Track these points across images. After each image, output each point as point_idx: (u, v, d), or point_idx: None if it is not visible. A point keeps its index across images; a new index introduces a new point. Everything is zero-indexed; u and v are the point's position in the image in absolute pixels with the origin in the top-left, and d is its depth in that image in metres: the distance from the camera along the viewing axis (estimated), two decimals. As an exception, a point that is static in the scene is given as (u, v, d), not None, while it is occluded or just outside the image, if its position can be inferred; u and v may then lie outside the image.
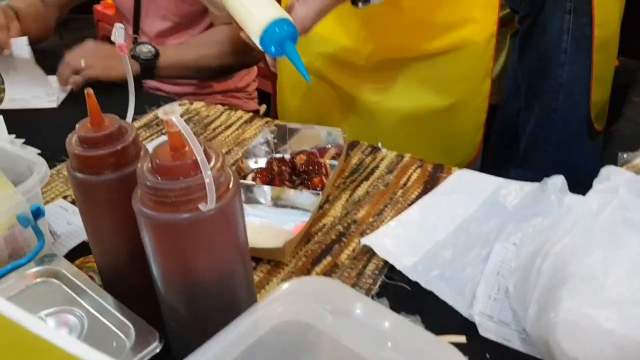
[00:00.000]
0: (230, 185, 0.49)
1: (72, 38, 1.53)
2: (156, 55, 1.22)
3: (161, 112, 0.45)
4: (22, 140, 1.00)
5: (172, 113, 0.45)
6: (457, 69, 1.05)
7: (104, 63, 1.19)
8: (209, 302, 0.51)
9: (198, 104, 1.13)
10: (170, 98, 1.18)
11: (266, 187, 0.82)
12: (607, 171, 0.65)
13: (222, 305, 0.52)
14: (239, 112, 1.09)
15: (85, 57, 1.18)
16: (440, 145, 1.11)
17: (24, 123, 1.06)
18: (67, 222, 0.80)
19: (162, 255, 0.49)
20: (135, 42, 1.21)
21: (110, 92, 0.71)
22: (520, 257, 0.64)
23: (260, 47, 0.73)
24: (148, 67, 1.22)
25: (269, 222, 0.80)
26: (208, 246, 0.48)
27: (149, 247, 0.49)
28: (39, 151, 0.98)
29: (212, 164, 0.48)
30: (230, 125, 1.06)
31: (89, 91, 0.51)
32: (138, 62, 1.21)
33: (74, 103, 1.16)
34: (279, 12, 0.72)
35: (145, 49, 1.22)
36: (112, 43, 0.57)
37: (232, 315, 0.51)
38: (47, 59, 1.25)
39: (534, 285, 0.59)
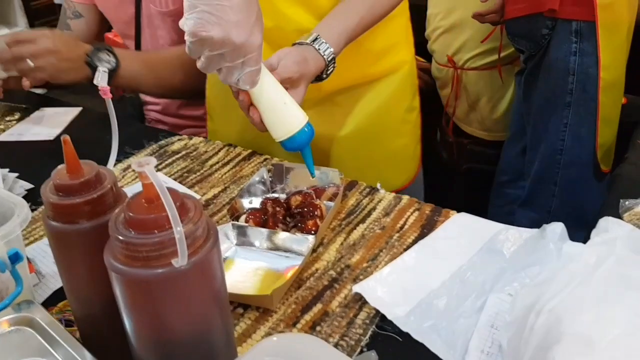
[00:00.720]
0: (208, 238, 0.47)
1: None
2: (115, 68, 1.08)
3: (135, 164, 0.44)
4: (16, 174, 0.99)
5: (146, 164, 0.44)
6: (393, 90, 1.10)
7: (57, 66, 1.05)
8: (183, 358, 0.49)
9: (197, 140, 1.12)
10: (170, 132, 1.17)
11: (263, 230, 0.80)
12: (606, 222, 0.63)
13: (198, 362, 0.50)
14: (238, 149, 1.08)
15: (35, 56, 1.04)
16: (385, 163, 1.15)
17: (19, 156, 1.06)
18: (53, 262, 0.79)
19: (134, 310, 0.47)
20: (93, 47, 1.08)
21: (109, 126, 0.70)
22: (515, 311, 0.61)
23: (280, 143, 0.82)
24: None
25: (262, 265, 0.78)
26: (183, 302, 0.47)
27: (120, 302, 0.47)
28: (32, 186, 0.97)
29: (189, 216, 0.46)
30: (228, 162, 1.04)
31: (66, 138, 0.50)
32: (91, 68, 1.04)
33: (72, 135, 1.16)
34: (304, 117, 0.81)
35: (105, 59, 1.07)
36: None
37: (209, 372, 0.49)
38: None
39: (526, 344, 0.56)
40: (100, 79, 0.54)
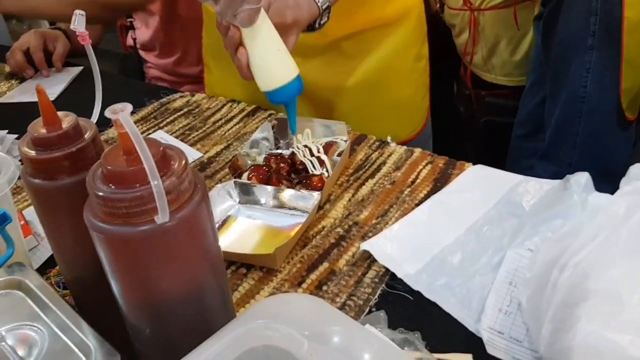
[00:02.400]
0: (195, 193, 0.43)
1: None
2: None
3: (108, 111, 0.39)
4: (16, 135, 0.96)
5: (121, 111, 0.39)
6: (402, 36, 1.06)
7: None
8: (175, 322, 0.46)
9: (199, 96, 1.08)
10: (171, 90, 1.13)
11: (266, 187, 0.76)
12: (637, 169, 0.58)
13: (192, 325, 0.47)
14: (242, 105, 1.04)
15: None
16: (391, 115, 1.10)
17: (18, 118, 1.02)
18: (50, 225, 0.76)
19: (119, 271, 0.43)
20: None
21: (110, 85, 0.65)
22: (536, 267, 0.57)
23: (265, 93, 0.75)
24: None
25: (266, 224, 0.74)
26: (169, 261, 0.43)
27: (105, 263, 0.44)
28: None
29: (172, 168, 0.42)
30: (231, 119, 1.00)
31: (39, 87, 0.46)
32: None
33: (74, 94, 1.12)
34: (296, 69, 0.75)
35: None
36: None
37: (205, 335, 0.45)
38: None
39: (548, 302, 0.52)
40: (77, 23, 0.49)
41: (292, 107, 0.77)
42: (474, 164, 0.82)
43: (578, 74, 1.00)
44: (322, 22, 0.82)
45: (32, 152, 0.47)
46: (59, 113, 0.48)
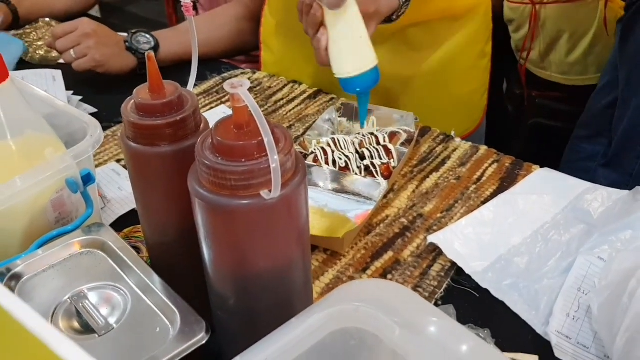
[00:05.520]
0: (297, 172, 0.44)
1: None
2: (155, 47, 1.07)
3: (228, 86, 0.40)
4: (80, 97, 0.97)
5: (240, 86, 0.40)
6: (468, 31, 1.05)
7: (99, 51, 1.02)
8: (261, 296, 0.47)
9: (260, 74, 1.08)
10: (232, 66, 1.13)
11: (327, 170, 0.77)
12: None
13: (276, 301, 0.47)
14: (303, 86, 1.04)
15: (76, 44, 1.02)
16: (449, 109, 1.10)
17: (83, 80, 1.03)
18: (118, 187, 0.77)
19: (215, 240, 0.44)
20: (129, 32, 1.08)
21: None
22: (610, 275, 0.57)
23: (340, 80, 0.73)
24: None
25: (328, 207, 0.74)
26: (266, 237, 0.43)
27: (201, 230, 0.44)
28: (95, 110, 0.95)
29: (280, 147, 0.42)
30: (293, 99, 1.00)
31: (150, 54, 0.46)
32: (135, 56, 1.06)
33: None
34: (375, 59, 0.73)
35: (143, 40, 1.08)
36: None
37: (285, 312, 0.46)
38: (113, 15, 1.22)
39: (624, 311, 0.52)
40: (186, -6, 0.50)
41: (365, 98, 0.76)
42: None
43: (651, 83, 0.98)
44: (400, 14, 0.82)
45: (136, 117, 0.47)
46: (164, 82, 0.48)
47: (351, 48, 0.72)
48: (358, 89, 0.74)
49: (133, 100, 0.48)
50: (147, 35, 1.08)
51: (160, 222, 0.52)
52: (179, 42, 1.10)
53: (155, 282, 0.51)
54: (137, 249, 0.67)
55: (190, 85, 0.54)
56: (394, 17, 0.82)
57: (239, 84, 0.40)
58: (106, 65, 1.03)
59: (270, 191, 0.40)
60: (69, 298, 0.50)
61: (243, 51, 1.24)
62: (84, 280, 0.52)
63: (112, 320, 0.49)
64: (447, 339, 0.40)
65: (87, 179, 0.58)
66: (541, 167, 0.81)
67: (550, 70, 1.49)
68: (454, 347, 0.39)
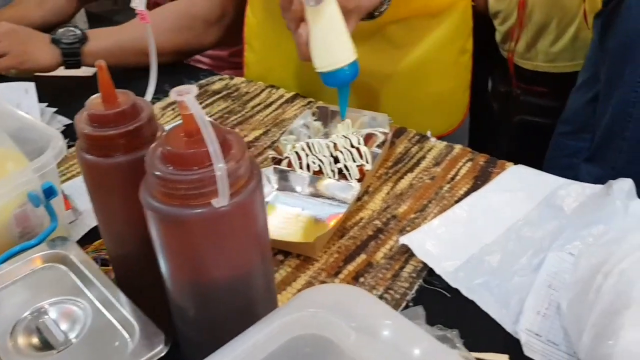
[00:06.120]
0: (252, 178, 0.43)
1: (125, 2, 1.50)
2: (82, 39, 1.04)
3: (174, 93, 0.40)
4: (55, 109, 0.97)
5: (186, 94, 0.40)
6: (448, 28, 1.05)
7: (20, 49, 1.02)
8: (221, 305, 0.46)
9: (238, 80, 1.08)
10: (211, 72, 1.13)
11: (305, 174, 0.76)
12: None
13: (236, 309, 0.47)
14: (281, 91, 1.03)
15: None
16: (429, 107, 1.09)
17: (58, 91, 1.03)
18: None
19: (170, 252, 0.44)
20: (59, 26, 1.06)
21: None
22: (578, 271, 0.57)
23: (320, 75, 0.75)
24: (71, 53, 1.04)
25: (303, 212, 0.74)
26: (222, 245, 0.43)
27: (156, 242, 0.44)
28: (70, 121, 0.95)
29: (232, 153, 0.42)
30: (270, 104, 1.00)
31: (101, 63, 0.46)
32: (59, 48, 1.03)
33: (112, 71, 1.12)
34: (355, 53, 0.75)
35: (69, 33, 1.04)
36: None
37: (248, 319, 0.46)
38: (101, 26, 1.21)
39: (591, 307, 0.52)
40: (138, 1, 0.50)
41: (345, 92, 0.78)
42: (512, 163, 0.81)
43: (632, 77, 0.97)
44: (382, 10, 0.82)
45: (89, 129, 0.47)
46: (117, 91, 0.48)
47: (331, 43, 0.74)
48: (338, 83, 0.76)
49: (85, 112, 0.48)
50: (75, 29, 1.06)
51: (119, 234, 0.52)
52: (110, 37, 1.08)
53: (117, 296, 0.51)
54: (107, 261, 0.66)
55: (149, 95, 0.54)
56: (376, 13, 0.82)
57: (186, 91, 0.40)
58: (29, 60, 1.01)
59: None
60: (29, 314, 0.49)
61: (190, 51, 1.20)
62: (45, 295, 0.52)
63: (71, 336, 0.48)
64: (401, 342, 0.40)
65: (50, 192, 0.58)
66: (528, 164, 0.81)
67: (537, 60, 1.49)
68: (408, 350, 0.39)
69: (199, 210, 0.41)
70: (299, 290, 0.64)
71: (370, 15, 0.82)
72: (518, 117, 1.58)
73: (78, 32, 1.05)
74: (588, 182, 0.75)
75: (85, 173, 0.50)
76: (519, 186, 0.75)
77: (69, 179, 0.82)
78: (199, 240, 0.42)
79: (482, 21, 1.61)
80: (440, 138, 0.89)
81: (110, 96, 0.47)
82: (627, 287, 0.50)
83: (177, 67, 1.12)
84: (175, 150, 0.41)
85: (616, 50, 1.00)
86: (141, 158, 0.47)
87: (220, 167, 0.38)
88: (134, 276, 0.54)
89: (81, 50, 1.04)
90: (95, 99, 0.48)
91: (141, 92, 0.53)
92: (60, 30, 1.05)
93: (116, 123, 0.47)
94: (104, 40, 1.07)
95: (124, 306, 0.50)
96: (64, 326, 0.49)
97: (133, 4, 0.50)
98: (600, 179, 0.76)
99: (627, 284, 0.50)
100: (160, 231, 0.43)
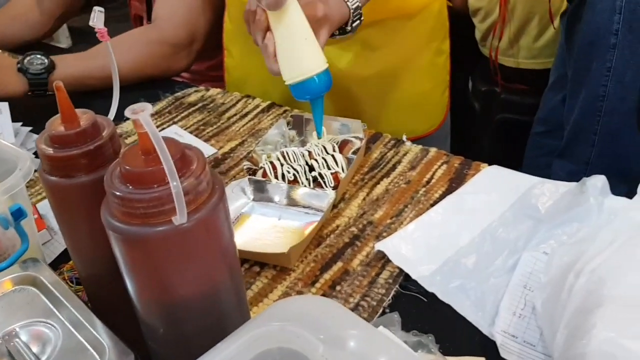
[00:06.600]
0: (213, 193, 0.43)
1: (109, 17, 1.49)
2: (49, 68, 1.03)
3: (128, 111, 0.39)
4: (30, 128, 0.97)
5: (141, 111, 0.39)
6: (423, 29, 1.06)
7: None
8: (190, 322, 0.46)
9: (214, 91, 1.08)
10: (186, 84, 1.13)
11: (281, 184, 0.76)
12: (655, 175, 0.57)
13: (207, 325, 0.47)
14: (257, 100, 1.03)
15: None
16: (408, 108, 1.10)
17: (34, 110, 1.02)
18: (65, 219, 0.76)
19: (135, 271, 0.43)
20: (26, 54, 1.04)
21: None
22: (551, 271, 0.57)
23: (290, 88, 0.72)
24: (38, 83, 1.02)
25: (280, 222, 0.74)
26: (186, 262, 0.43)
27: (120, 262, 0.44)
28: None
29: (191, 169, 0.42)
30: (246, 114, 1.00)
31: (58, 84, 0.45)
32: (26, 77, 1.02)
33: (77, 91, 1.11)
34: (324, 63, 0.72)
35: (37, 61, 1.03)
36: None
37: (219, 334, 0.45)
38: (84, 41, 1.20)
39: (564, 307, 0.52)
40: (96, 20, 0.49)
41: (319, 105, 0.74)
42: (489, 161, 0.81)
43: (599, 73, 0.98)
44: (354, 25, 0.81)
45: (50, 150, 0.47)
46: (77, 110, 0.48)
47: (297, 51, 0.71)
48: (308, 96, 0.73)
49: (47, 133, 0.47)
50: (42, 57, 1.04)
51: (87, 255, 0.52)
52: (78, 64, 1.07)
53: (87, 316, 0.50)
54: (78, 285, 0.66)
55: (112, 114, 0.53)
56: (348, 29, 0.82)
57: (140, 108, 0.39)
58: None
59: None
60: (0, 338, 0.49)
61: (160, 76, 1.17)
62: (16, 318, 0.51)
63: (42, 358, 0.48)
64: (369, 351, 0.39)
65: (19, 214, 0.57)
66: (510, 162, 0.81)
67: (519, 56, 1.50)
68: (373, 358, 0.39)
69: (160, 229, 0.40)
70: (276, 302, 0.64)
71: (343, 31, 0.82)
72: (499, 116, 1.59)
73: (45, 60, 1.04)
74: (561, 177, 0.75)
75: (49, 194, 0.49)
76: (494, 187, 0.75)
77: (44, 197, 0.82)
78: (162, 259, 0.42)
79: (461, 20, 1.62)
80: (421, 139, 0.89)
81: (70, 116, 0.47)
82: (599, 286, 0.50)
83: (153, 81, 1.12)
84: (133, 169, 0.41)
85: (582, 47, 1.01)
86: (103, 178, 0.47)
87: (175, 186, 0.38)
88: (105, 296, 0.53)
89: (48, 79, 1.02)
90: (55, 120, 0.48)
91: (107, 112, 0.53)
92: (27, 58, 1.03)
93: (77, 143, 0.46)
94: (71, 67, 1.06)
95: (95, 326, 0.49)
96: (35, 348, 0.49)
97: (92, 23, 0.50)
98: (573, 174, 0.76)
99: (598, 282, 0.50)
100: (123, 251, 0.43)
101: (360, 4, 0.80)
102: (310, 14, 0.72)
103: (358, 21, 0.82)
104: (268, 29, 0.72)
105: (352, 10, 0.80)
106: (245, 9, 0.74)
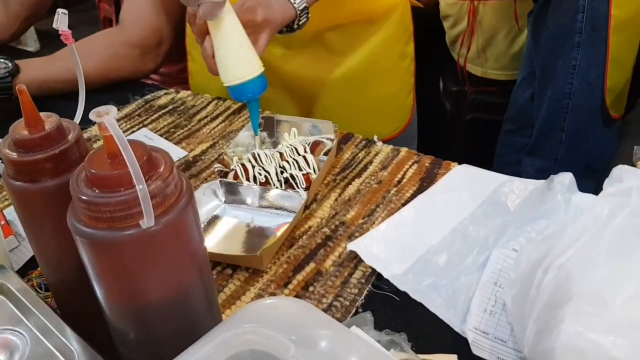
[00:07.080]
0: (181, 196, 0.43)
1: (77, 18, 1.45)
2: (13, 72, 1.01)
3: (93, 114, 0.39)
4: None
5: (105, 114, 0.39)
6: (386, 33, 1.07)
7: None
8: (160, 326, 0.46)
9: (184, 94, 1.07)
10: (156, 87, 1.12)
11: (252, 186, 0.76)
12: (620, 171, 0.58)
13: (177, 329, 0.46)
14: (227, 102, 1.03)
15: None
16: (373, 111, 1.11)
17: (7, 116, 1.00)
18: (33, 224, 0.75)
19: (103, 276, 0.43)
20: None
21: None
22: (520, 267, 0.57)
23: (227, 89, 0.76)
24: (2, 87, 1.00)
25: (253, 225, 0.74)
26: (154, 266, 0.42)
27: (88, 267, 0.43)
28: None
29: (159, 171, 0.41)
30: (217, 117, 0.99)
31: (21, 87, 0.45)
32: None
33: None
34: (260, 67, 0.76)
35: (0, 65, 1.01)
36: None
37: (190, 338, 0.45)
38: (52, 44, 1.18)
39: (532, 303, 0.52)
40: (60, 22, 0.49)
41: (254, 106, 0.78)
42: (461, 161, 0.82)
43: (564, 71, 1.00)
44: (301, 23, 0.82)
45: (14, 154, 0.46)
46: (42, 114, 0.47)
47: (233, 56, 0.74)
48: (243, 98, 0.77)
49: (10, 137, 0.46)
50: (5, 60, 1.02)
51: (54, 260, 0.51)
52: (43, 67, 1.05)
53: (55, 323, 0.49)
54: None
55: (77, 117, 0.52)
56: (295, 26, 0.83)
57: (105, 111, 0.39)
58: None
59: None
60: (-37, 347, 0.48)
61: (127, 78, 1.15)
62: (-18, 327, 0.50)
63: (9, 366, 0.47)
64: (339, 351, 0.39)
65: (-17, 220, 0.56)
66: (482, 161, 0.82)
67: (486, 66, 1.52)
68: (345, 358, 0.39)
69: (128, 232, 0.40)
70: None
71: (290, 28, 0.83)
72: (470, 115, 1.60)
73: (9, 64, 1.02)
74: (530, 174, 0.76)
75: (13, 200, 0.48)
76: (464, 185, 0.76)
77: (11, 204, 0.80)
78: (130, 263, 0.42)
79: (433, 21, 1.64)
80: (387, 141, 0.90)
81: (34, 120, 0.46)
82: (566, 281, 0.51)
83: (123, 84, 1.11)
84: (99, 172, 0.40)
85: (547, 45, 1.03)
86: (69, 182, 0.46)
87: (141, 189, 0.37)
88: (73, 301, 0.52)
89: (13, 83, 1.00)
90: (19, 124, 0.47)
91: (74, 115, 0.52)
92: None
93: (42, 147, 0.46)
94: (36, 70, 1.04)
95: (64, 333, 0.48)
96: (2, 356, 0.48)
97: (55, 25, 0.49)
98: (542, 171, 0.77)
99: (566, 277, 0.51)
100: (90, 256, 0.42)
101: (307, 5, 0.82)
102: (250, 19, 0.75)
103: (305, 19, 0.83)
104: (207, 32, 0.74)
105: (298, 12, 0.81)
106: (187, 11, 0.76)
